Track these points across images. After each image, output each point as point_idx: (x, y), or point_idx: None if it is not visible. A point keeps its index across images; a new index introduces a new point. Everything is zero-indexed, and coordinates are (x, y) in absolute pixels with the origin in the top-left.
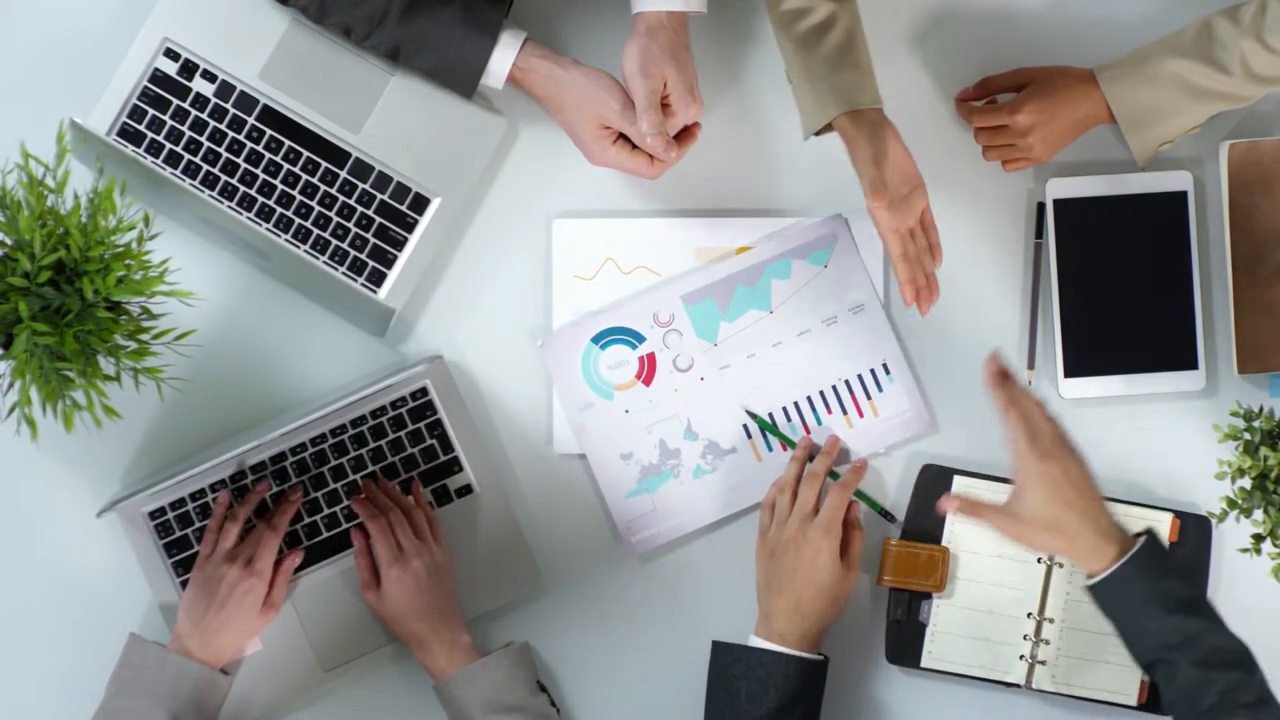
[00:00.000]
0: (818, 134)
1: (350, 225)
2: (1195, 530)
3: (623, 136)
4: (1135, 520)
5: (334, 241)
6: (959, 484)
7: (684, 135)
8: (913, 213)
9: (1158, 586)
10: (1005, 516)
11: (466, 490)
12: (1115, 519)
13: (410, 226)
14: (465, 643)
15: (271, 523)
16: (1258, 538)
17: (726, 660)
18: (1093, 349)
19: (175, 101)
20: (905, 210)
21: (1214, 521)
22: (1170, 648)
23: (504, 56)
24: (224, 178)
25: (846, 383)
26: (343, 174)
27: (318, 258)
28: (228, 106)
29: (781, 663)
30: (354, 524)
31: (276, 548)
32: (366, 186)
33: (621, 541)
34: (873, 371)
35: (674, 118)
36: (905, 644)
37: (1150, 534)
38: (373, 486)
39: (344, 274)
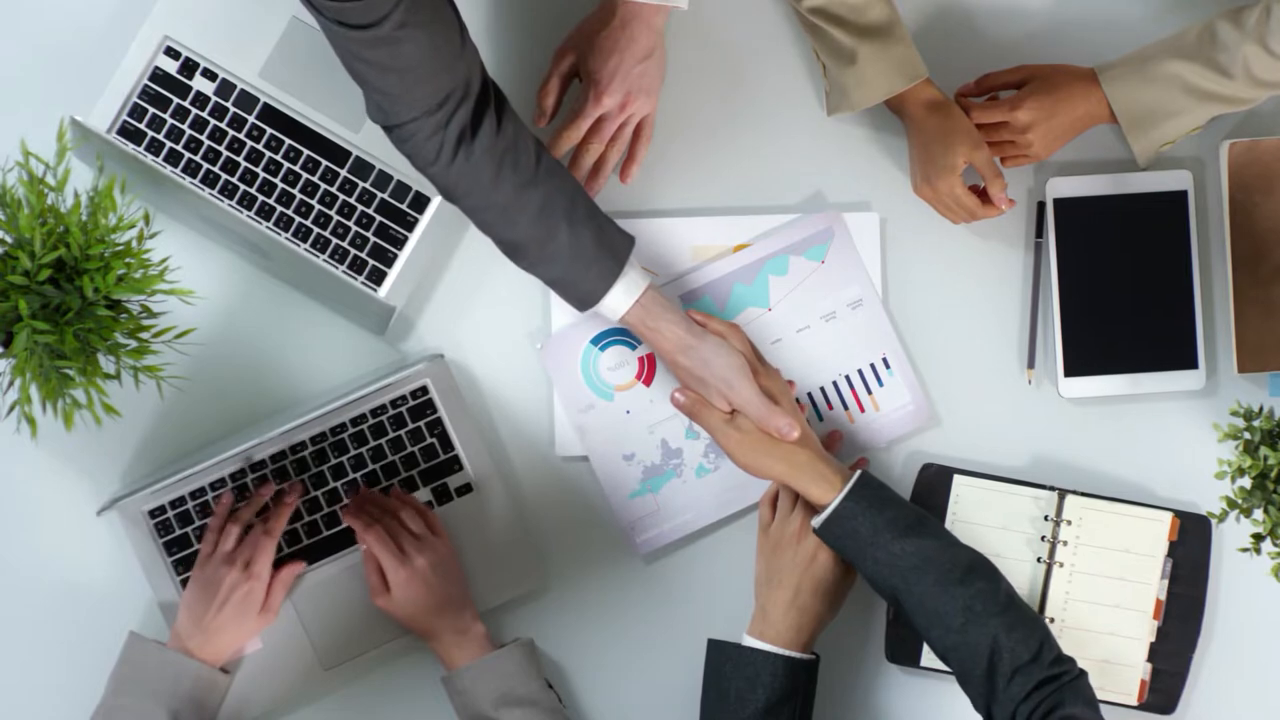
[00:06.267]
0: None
1: (350, 224)
2: (1195, 530)
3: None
4: (1135, 520)
5: (334, 240)
6: (959, 483)
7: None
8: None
9: (883, 515)
10: (728, 424)
11: (467, 489)
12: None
13: (410, 225)
14: (478, 632)
15: (267, 526)
16: (1258, 537)
17: (719, 658)
18: (1093, 348)
19: (175, 100)
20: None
21: (1214, 521)
22: (906, 573)
23: (624, 298)
24: (224, 176)
25: (847, 378)
26: (343, 173)
27: (318, 256)
28: (228, 105)
29: (770, 662)
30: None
31: (273, 550)
32: (367, 185)
33: (625, 541)
34: (873, 366)
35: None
36: (905, 643)
37: (863, 470)
38: (362, 493)
39: (344, 272)
